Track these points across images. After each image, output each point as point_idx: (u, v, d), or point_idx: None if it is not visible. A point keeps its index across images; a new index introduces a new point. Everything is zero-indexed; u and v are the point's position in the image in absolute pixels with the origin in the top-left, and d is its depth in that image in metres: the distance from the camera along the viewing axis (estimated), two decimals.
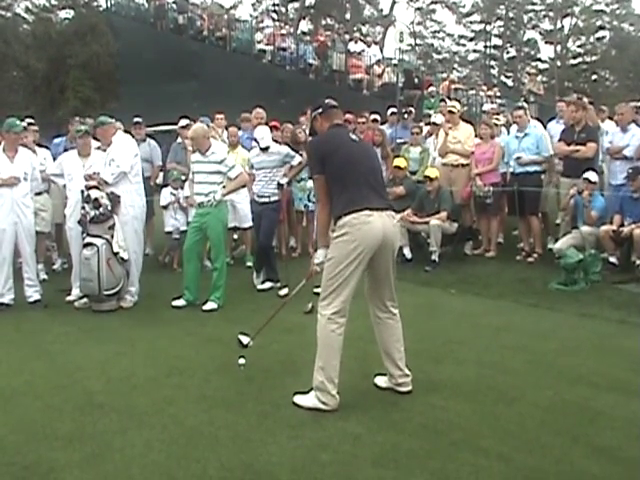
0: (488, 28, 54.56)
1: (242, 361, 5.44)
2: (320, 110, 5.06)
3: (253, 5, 51.85)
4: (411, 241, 9.88)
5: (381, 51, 21.75)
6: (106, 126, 8.01)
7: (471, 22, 55.24)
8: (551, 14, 51.18)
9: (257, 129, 8.73)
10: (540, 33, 53.22)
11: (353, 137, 5.05)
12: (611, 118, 10.78)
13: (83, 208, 7.69)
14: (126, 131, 8.89)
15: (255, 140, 8.54)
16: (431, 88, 17.89)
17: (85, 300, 7.85)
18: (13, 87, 30.77)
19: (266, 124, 9.57)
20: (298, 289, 5.40)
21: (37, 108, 24.24)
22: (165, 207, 10.13)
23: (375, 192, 4.77)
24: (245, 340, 5.52)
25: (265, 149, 8.43)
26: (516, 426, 4.36)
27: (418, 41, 53.02)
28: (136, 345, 6.34)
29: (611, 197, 9.20)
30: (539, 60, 52.62)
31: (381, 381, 5.07)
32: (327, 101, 5.10)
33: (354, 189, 4.68)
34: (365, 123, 11.77)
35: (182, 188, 9.81)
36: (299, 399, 4.71)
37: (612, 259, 8.75)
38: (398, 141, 12.04)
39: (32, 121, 10.36)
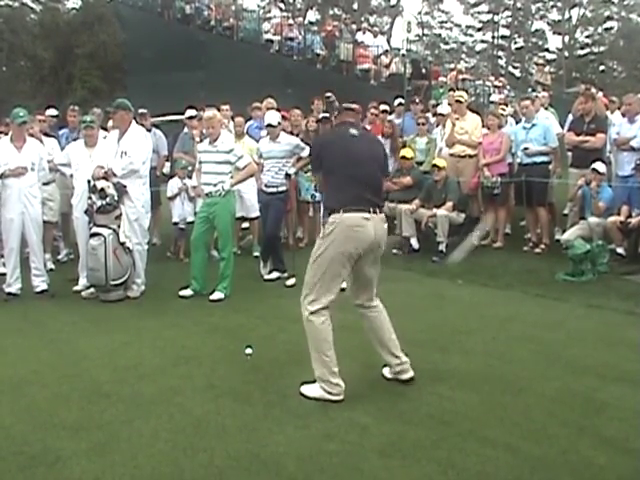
0: (496, 18, 54.24)
1: (249, 351, 5.47)
2: (336, 113, 5.11)
3: None
4: (418, 231, 9.87)
5: (388, 41, 21.61)
6: (125, 111, 7.80)
7: (479, 12, 54.92)
8: (559, 4, 50.84)
9: (267, 113, 8.84)
10: (548, 23, 52.91)
11: (353, 132, 4.93)
12: (619, 109, 10.75)
13: (90, 198, 7.69)
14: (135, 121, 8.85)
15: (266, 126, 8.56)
16: (441, 78, 17.85)
17: (92, 290, 7.87)
18: (20, 77, 30.84)
19: None
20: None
21: (44, 98, 24.24)
22: (171, 198, 10.10)
23: (370, 190, 4.74)
24: None
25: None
26: (523, 416, 4.36)
27: (426, 31, 52.90)
28: (143, 334, 6.36)
29: (619, 188, 9.16)
30: (547, 50, 52.37)
31: (387, 372, 5.06)
32: (344, 105, 5.12)
33: (350, 186, 4.68)
34: (376, 114, 11.74)
35: (189, 177, 9.76)
36: (305, 389, 4.71)
37: (619, 250, 8.73)
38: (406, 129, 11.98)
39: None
